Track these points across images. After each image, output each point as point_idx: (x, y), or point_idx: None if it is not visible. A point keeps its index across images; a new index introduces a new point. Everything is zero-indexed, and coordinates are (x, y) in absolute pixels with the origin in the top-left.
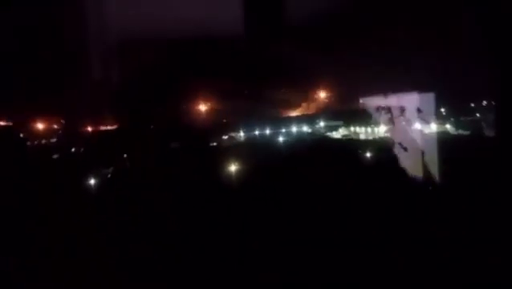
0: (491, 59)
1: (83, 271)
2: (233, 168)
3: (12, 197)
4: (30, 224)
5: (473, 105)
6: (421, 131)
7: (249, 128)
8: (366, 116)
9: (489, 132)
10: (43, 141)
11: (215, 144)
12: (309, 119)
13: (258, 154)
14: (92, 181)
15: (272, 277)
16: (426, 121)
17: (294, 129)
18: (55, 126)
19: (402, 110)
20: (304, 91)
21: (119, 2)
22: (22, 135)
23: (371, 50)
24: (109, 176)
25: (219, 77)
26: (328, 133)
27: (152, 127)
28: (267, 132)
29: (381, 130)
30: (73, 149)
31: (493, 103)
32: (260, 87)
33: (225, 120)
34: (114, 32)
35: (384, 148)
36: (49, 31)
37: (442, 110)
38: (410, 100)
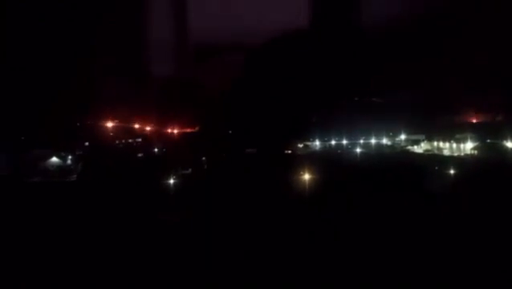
0: None
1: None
2: (306, 176)
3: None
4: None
5: None
6: None
7: (325, 137)
8: (451, 131)
9: None
10: (130, 140)
11: (289, 151)
12: (389, 130)
13: (330, 165)
14: (171, 181)
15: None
16: None
17: (372, 141)
18: (140, 127)
19: (494, 127)
20: (386, 100)
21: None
22: (111, 134)
23: (467, 61)
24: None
25: (300, 84)
26: (409, 147)
27: (230, 132)
28: (344, 142)
29: (467, 147)
30: (156, 149)
31: None
32: (340, 93)
33: (299, 129)
34: (197, 39)
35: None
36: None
37: None
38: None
